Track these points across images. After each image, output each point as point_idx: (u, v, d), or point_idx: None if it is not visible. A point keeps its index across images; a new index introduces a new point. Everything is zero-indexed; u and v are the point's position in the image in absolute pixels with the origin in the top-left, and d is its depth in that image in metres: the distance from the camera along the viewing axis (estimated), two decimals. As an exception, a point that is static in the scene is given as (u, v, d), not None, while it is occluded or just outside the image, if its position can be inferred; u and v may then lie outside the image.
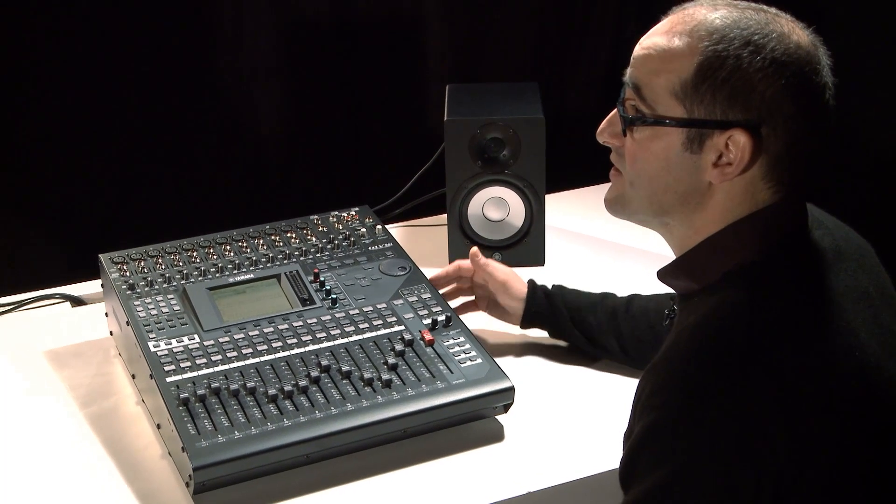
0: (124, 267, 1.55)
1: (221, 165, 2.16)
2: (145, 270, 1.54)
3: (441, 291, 1.56)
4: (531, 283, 1.56)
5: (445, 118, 1.77)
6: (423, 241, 1.89)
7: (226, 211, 2.12)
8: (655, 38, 1.08)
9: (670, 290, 1.45)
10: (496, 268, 1.57)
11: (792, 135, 1.04)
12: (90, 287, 1.78)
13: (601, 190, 2.07)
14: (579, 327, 1.51)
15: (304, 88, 2.18)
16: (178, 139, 2.11)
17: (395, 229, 1.92)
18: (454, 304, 1.57)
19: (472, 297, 1.61)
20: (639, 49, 1.09)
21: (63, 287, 1.79)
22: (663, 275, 1.15)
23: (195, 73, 2.08)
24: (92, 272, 1.74)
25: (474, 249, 1.59)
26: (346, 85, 2.20)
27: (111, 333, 1.60)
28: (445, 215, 1.85)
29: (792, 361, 0.98)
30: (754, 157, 1.04)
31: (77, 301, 1.75)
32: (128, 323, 1.45)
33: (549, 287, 1.56)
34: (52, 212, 2.05)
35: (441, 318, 1.47)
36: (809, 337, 1.00)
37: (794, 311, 1.02)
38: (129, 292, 1.50)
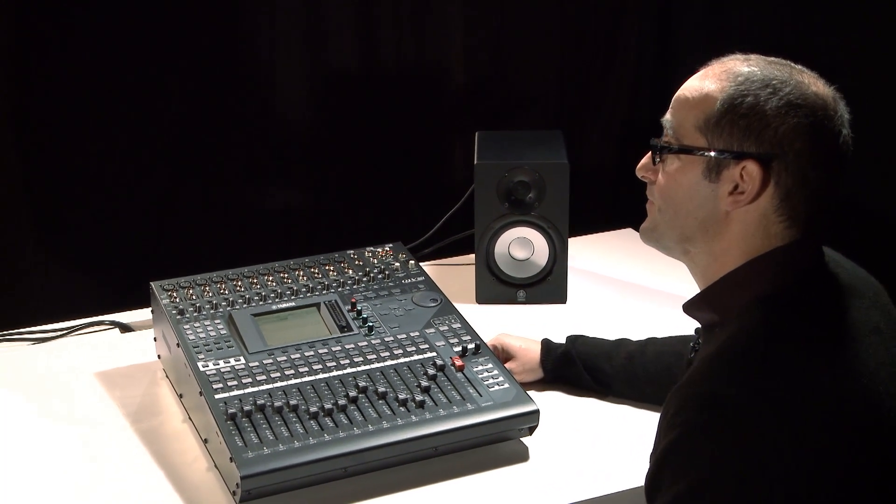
0: (174, 294, 1.65)
1: (256, 206, 2.27)
2: (193, 297, 1.65)
3: None
4: (544, 347, 1.63)
5: (475, 162, 1.88)
6: (451, 278, 1.99)
7: (260, 249, 2.23)
8: (691, 83, 1.21)
9: (684, 334, 1.56)
10: (509, 348, 1.64)
11: (801, 171, 1.14)
12: (136, 315, 1.88)
13: (619, 235, 2.22)
14: (593, 374, 1.59)
15: (334, 136, 2.30)
16: (214, 182, 2.22)
17: (424, 267, 2.02)
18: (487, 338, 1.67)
19: None
20: (677, 93, 1.22)
21: (111, 315, 1.89)
22: (688, 307, 1.25)
23: (232, 120, 2.20)
24: (134, 302, 1.86)
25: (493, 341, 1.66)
26: (375, 133, 2.32)
27: (159, 357, 1.70)
28: (472, 255, 1.96)
29: (803, 384, 1.07)
30: (763, 186, 1.14)
31: (125, 327, 1.86)
32: (178, 345, 1.55)
33: (563, 344, 1.63)
34: (100, 248, 2.16)
35: (470, 346, 1.56)
36: (821, 362, 1.09)
37: (807, 337, 1.11)
38: (178, 317, 1.60)
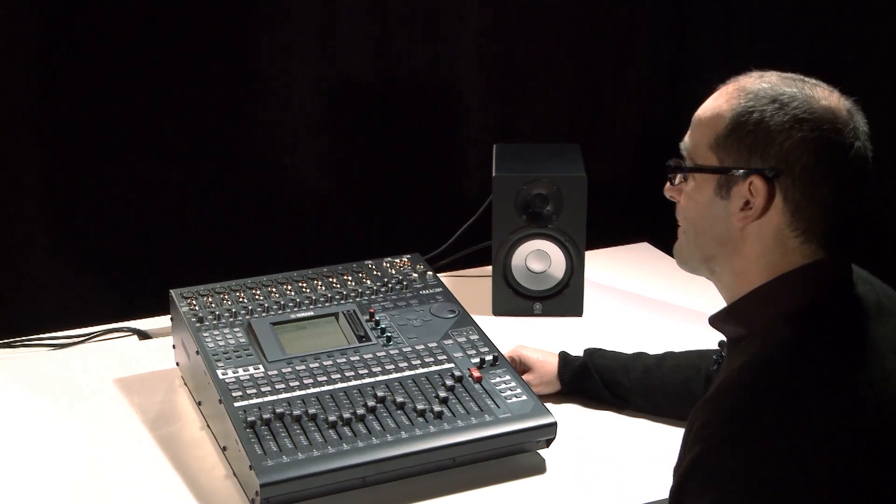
0: (193, 301, 1.66)
1: (272, 215, 2.28)
2: (212, 305, 1.66)
3: None
4: (561, 360, 1.63)
5: (494, 174, 1.89)
6: (467, 290, 1.99)
7: (276, 259, 2.24)
8: (706, 103, 1.22)
9: (701, 348, 1.56)
10: (527, 360, 1.65)
11: (810, 185, 1.14)
12: (154, 322, 1.89)
13: (634, 249, 2.23)
14: (610, 387, 1.60)
15: (348, 146, 2.31)
16: (231, 191, 2.23)
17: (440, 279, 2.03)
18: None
19: None
20: (695, 114, 1.23)
21: (129, 321, 1.90)
22: (714, 321, 1.25)
23: (247, 130, 2.21)
24: (150, 309, 1.87)
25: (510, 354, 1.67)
26: (389, 144, 2.33)
27: (178, 364, 1.70)
28: (488, 266, 1.96)
29: (831, 400, 1.07)
30: (769, 201, 1.15)
31: (143, 335, 1.87)
32: (197, 352, 1.56)
33: (581, 357, 1.63)
34: (116, 255, 2.17)
35: (488, 357, 1.57)
36: (848, 379, 1.09)
37: (834, 353, 1.11)
38: (198, 324, 1.61)
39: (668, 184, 1.26)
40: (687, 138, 1.24)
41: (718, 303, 1.26)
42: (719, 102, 1.19)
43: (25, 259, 2.09)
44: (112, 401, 1.65)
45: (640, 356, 1.61)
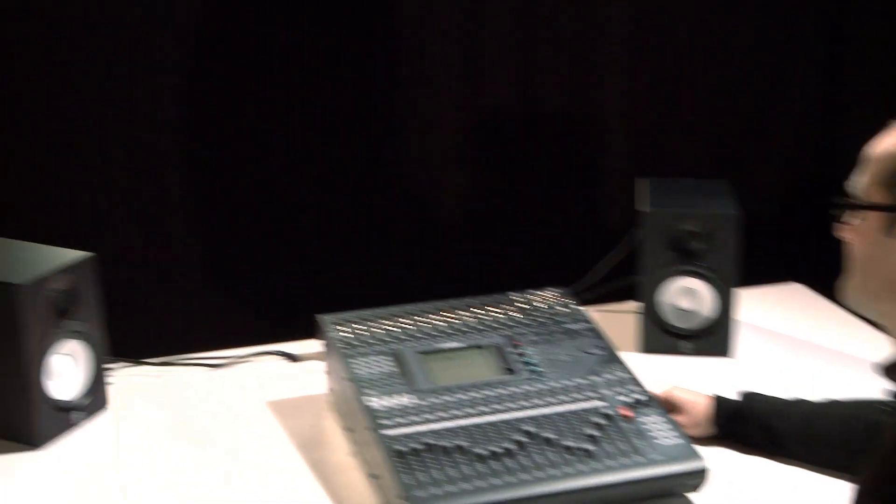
0: (342, 328, 1.69)
1: (413, 246, 2.32)
2: (361, 332, 1.68)
3: None
4: (716, 403, 1.59)
5: (648, 209, 1.87)
6: (610, 325, 1.96)
7: (416, 286, 2.27)
8: (878, 140, 1.19)
9: (864, 396, 1.50)
10: (678, 401, 1.62)
11: None
12: (302, 346, 1.93)
13: (785, 289, 2.16)
14: (767, 433, 1.55)
15: (490, 176, 2.32)
16: (374, 220, 2.28)
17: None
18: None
19: None
20: (864, 150, 1.20)
21: (277, 344, 1.95)
22: (883, 369, 1.21)
23: (390, 159, 2.26)
24: (293, 332, 1.91)
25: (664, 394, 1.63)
26: (531, 174, 2.34)
27: (331, 390, 1.73)
28: (629, 301, 1.94)
29: None
30: None
31: (293, 358, 1.91)
32: (348, 379, 1.59)
33: (737, 400, 1.59)
34: (266, 279, 2.25)
35: (639, 396, 1.54)
36: None
37: None
38: (347, 351, 1.64)
39: (839, 223, 1.23)
40: (856, 175, 1.21)
41: (879, 349, 1.21)
42: (890, 139, 1.16)
43: (182, 284, 2.18)
44: (264, 422, 1.70)
45: (800, 402, 1.56)
